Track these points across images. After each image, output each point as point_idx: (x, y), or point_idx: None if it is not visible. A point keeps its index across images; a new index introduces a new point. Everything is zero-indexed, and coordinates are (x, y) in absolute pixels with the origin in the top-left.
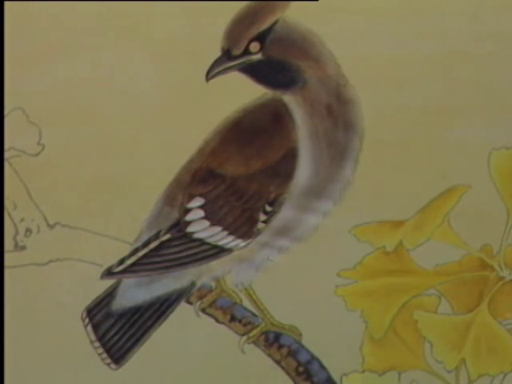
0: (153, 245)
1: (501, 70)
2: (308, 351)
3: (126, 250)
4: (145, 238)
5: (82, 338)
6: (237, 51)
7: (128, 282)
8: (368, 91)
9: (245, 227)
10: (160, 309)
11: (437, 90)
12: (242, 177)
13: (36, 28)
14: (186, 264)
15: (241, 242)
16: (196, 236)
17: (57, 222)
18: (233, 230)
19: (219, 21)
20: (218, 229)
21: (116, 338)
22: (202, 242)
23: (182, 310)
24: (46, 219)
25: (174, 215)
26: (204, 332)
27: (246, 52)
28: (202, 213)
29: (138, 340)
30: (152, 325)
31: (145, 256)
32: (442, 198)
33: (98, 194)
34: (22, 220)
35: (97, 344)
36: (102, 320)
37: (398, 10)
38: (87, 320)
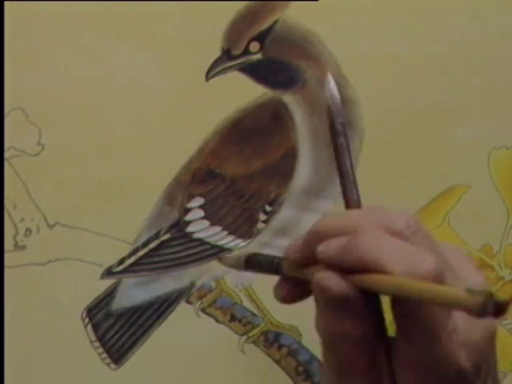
0: (153, 245)
1: (501, 70)
2: (308, 351)
3: (126, 250)
4: (145, 237)
5: (82, 338)
6: (237, 51)
7: (128, 281)
8: (368, 91)
9: (245, 227)
10: (160, 309)
11: (437, 90)
12: (242, 177)
13: (36, 28)
14: (185, 264)
15: (241, 242)
16: (196, 236)
17: (57, 222)
18: (233, 230)
19: (219, 21)
20: (217, 229)
21: (116, 337)
22: (201, 241)
23: (182, 310)
24: (46, 219)
25: (174, 215)
26: (204, 332)
27: (246, 52)
28: (201, 213)
29: (137, 340)
30: (152, 325)
31: (145, 256)
32: (442, 197)
33: (97, 194)
34: (22, 220)
35: (97, 344)
36: (101, 320)
37: (398, 10)
38: (87, 320)
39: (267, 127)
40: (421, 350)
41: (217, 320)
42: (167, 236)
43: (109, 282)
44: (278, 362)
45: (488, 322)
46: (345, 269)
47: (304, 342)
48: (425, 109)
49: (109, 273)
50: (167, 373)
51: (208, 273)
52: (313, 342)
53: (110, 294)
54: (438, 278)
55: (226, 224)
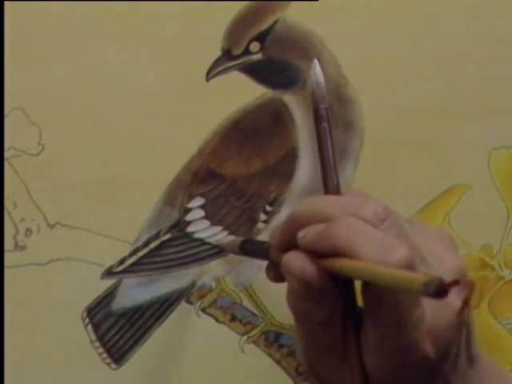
0: (153, 245)
1: (501, 70)
2: None
3: (126, 249)
4: (145, 237)
5: (82, 338)
6: (237, 51)
7: (128, 281)
8: (368, 91)
9: (245, 227)
10: (160, 309)
11: (437, 89)
12: (242, 177)
13: (36, 28)
14: (186, 264)
15: None
16: (196, 236)
17: (57, 222)
18: (233, 230)
19: (219, 21)
20: (218, 229)
21: (116, 337)
22: (202, 241)
23: (183, 310)
24: (46, 219)
25: (175, 215)
26: (204, 332)
27: (246, 52)
28: (202, 213)
29: (138, 340)
30: (152, 325)
31: (145, 256)
32: (442, 197)
33: (97, 193)
34: (22, 220)
35: (97, 344)
36: (102, 320)
37: (398, 10)
38: (87, 320)
39: (267, 127)
40: (386, 336)
41: (217, 320)
42: (168, 236)
43: (109, 282)
44: (278, 361)
45: (457, 309)
46: (320, 254)
47: None
48: (425, 109)
49: (109, 273)
50: (167, 373)
51: (208, 273)
52: None
53: (110, 294)
54: (409, 265)
55: (227, 224)
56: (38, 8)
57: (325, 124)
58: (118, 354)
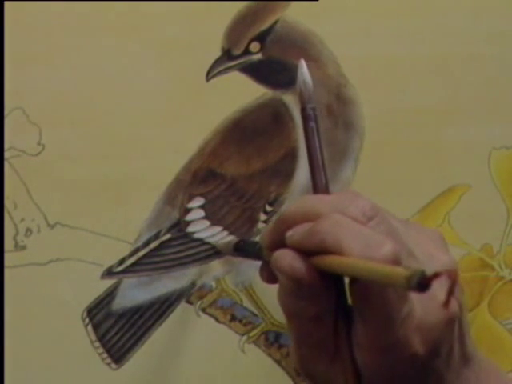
0: (153, 245)
1: (501, 70)
2: None
3: (126, 249)
4: (145, 237)
5: (82, 338)
6: (237, 51)
7: (128, 281)
8: (368, 91)
9: (245, 227)
10: (160, 309)
11: (437, 90)
12: (243, 177)
13: (36, 28)
14: (186, 264)
15: None
16: (196, 236)
17: (57, 222)
18: (233, 230)
19: (219, 21)
20: (218, 229)
21: (116, 337)
22: (202, 241)
23: (183, 310)
24: (46, 219)
25: (175, 215)
26: (204, 332)
27: (246, 52)
28: (202, 213)
29: (138, 340)
30: (152, 325)
31: (145, 256)
32: (442, 197)
33: (98, 193)
34: (22, 220)
35: (97, 344)
36: (102, 320)
37: (397, 10)
38: (87, 320)
39: (267, 127)
40: (375, 333)
41: (217, 320)
42: (168, 236)
43: (109, 282)
44: (278, 361)
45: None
46: (309, 252)
47: None
48: (425, 109)
49: (109, 273)
50: (167, 373)
51: (208, 273)
52: None
53: (110, 294)
54: (395, 261)
55: (227, 224)
56: (38, 8)
57: (312, 123)
58: (118, 354)
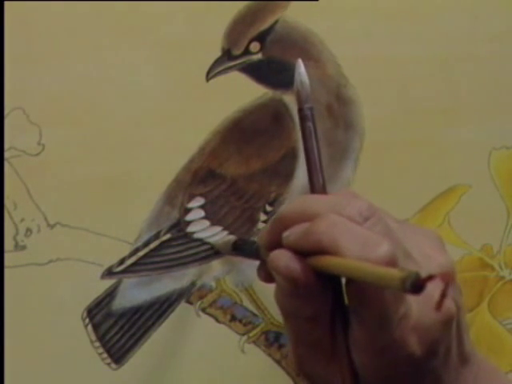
0: (153, 245)
1: (500, 70)
2: None
3: (126, 249)
4: (145, 237)
5: (82, 338)
6: (237, 51)
7: (128, 281)
8: (368, 91)
9: (245, 227)
10: (160, 309)
11: (437, 89)
12: (242, 177)
13: (36, 28)
14: (186, 264)
15: None
16: (196, 236)
17: (57, 222)
18: (233, 230)
19: (219, 21)
20: (218, 229)
21: (116, 337)
22: (202, 241)
23: (183, 310)
24: (46, 219)
25: (175, 215)
26: (204, 332)
27: (247, 52)
28: (202, 213)
29: (138, 340)
30: (152, 325)
31: (145, 256)
32: (443, 197)
33: (98, 193)
34: (22, 220)
35: (97, 344)
36: (102, 320)
37: (397, 10)
38: (87, 320)
39: (268, 127)
40: (371, 333)
41: (217, 320)
42: (168, 236)
43: (109, 282)
44: (278, 361)
45: (444, 305)
46: (306, 253)
47: None
48: (425, 109)
49: (109, 273)
50: (167, 373)
51: (208, 273)
52: None
53: (110, 294)
54: (391, 262)
55: (227, 224)
56: (38, 8)
57: (309, 124)
58: (117, 354)
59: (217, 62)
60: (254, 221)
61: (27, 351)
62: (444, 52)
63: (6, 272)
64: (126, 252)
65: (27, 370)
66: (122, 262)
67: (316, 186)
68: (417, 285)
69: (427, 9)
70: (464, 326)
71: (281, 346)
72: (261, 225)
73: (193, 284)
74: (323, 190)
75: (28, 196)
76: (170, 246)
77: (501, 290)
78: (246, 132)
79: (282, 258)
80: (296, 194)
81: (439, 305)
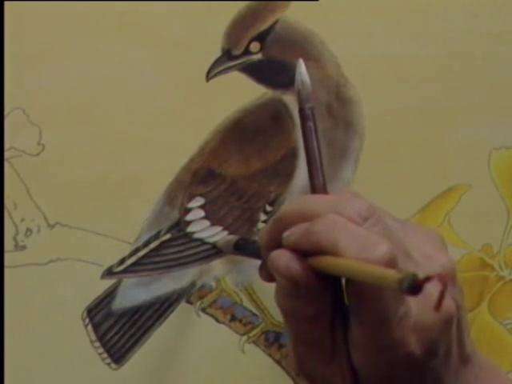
0: (153, 245)
1: (500, 70)
2: None
3: (126, 250)
4: (145, 237)
5: (83, 338)
6: (237, 51)
7: (128, 281)
8: (368, 91)
9: (245, 227)
10: (160, 309)
11: (437, 90)
12: (242, 177)
13: (36, 28)
14: (186, 264)
15: None
16: (196, 236)
17: (57, 222)
18: (233, 230)
19: (219, 21)
20: (218, 229)
21: (116, 337)
22: (202, 241)
23: (183, 310)
24: (46, 219)
25: (175, 215)
26: (204, 332)
27: (247, 52)
28: (202, 213)
29: (138, 340)
30: (152, 325)
31: (145, 256)
32: (443, 197)
33: (98, 194)
34: (22, 220)
35: (97, 344)
36: (102, 320)
37: (397, 10)
38: (87, 320)
39: (267, 127)
40: (371, 333)
41: (217, 320)
42: (168, 236)
43: (109, 282)
44: (278, 361)
45: (443, 305)
46: (306, 253)
47: None
48: (425, 109)
49: (109, 273)
50: (167, 373)
51: (208, 273)
52: None
53: (110, 294)
54: (390, 262)
55: (227, 224)
56: (38, 8)
57: (310, 123)
58: (118, 354)
59: (217, 62)
60: (253, 221)
61: (27, 351)
62: (444, 52)
63: (6, 272)
64: (126, 252)
65: (27, 370)
66: (122, 261)
67: (317, 185)
68: (414, 286)
69: (427, 9)
70: (464, 326)
71: (281, 346)
72: (261, 225)
73: (193, 284)
74: (324, 190)
75: (28, 196)
76: (170, 246)
77: (501, 290)
78: (246, 132)
79: (282, 258)
80: (296, 194)
81: (438, 305)
